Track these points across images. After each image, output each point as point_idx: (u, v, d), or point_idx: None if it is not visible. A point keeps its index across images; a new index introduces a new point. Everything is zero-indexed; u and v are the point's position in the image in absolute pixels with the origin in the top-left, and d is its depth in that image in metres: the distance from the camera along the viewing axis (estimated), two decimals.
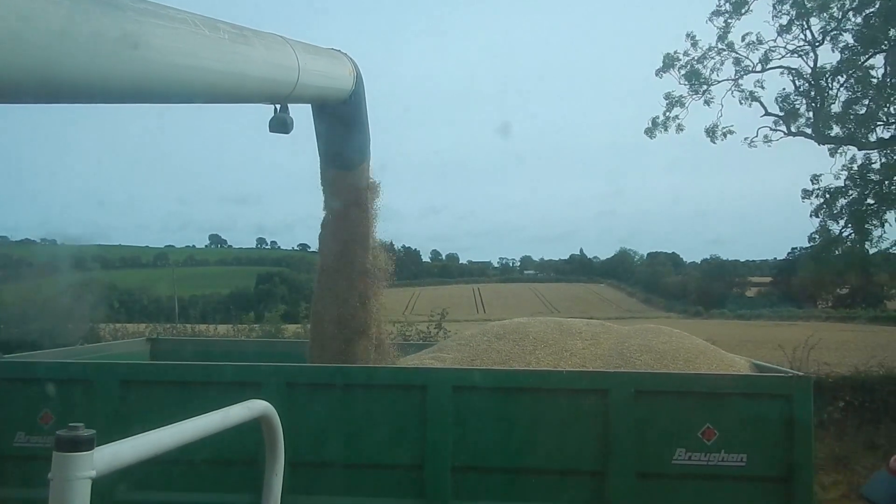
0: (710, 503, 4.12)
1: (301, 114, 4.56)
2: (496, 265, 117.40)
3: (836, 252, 14.36)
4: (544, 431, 4.17)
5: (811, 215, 13.93)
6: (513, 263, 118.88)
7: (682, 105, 14.71)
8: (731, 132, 14.39)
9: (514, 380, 4.31)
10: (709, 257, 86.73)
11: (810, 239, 14.55)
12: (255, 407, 1.71)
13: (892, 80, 12.30)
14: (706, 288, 75.80)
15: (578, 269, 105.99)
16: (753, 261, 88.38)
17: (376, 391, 4.31)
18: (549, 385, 4.23)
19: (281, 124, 4.14)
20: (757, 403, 4.17)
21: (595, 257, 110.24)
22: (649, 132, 15.20)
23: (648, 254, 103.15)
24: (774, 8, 13.61)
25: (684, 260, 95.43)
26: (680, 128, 14.88)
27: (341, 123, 4.93)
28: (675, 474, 4.10)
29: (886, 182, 13.30)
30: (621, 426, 4.11)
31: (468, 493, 4.18)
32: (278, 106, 4.10)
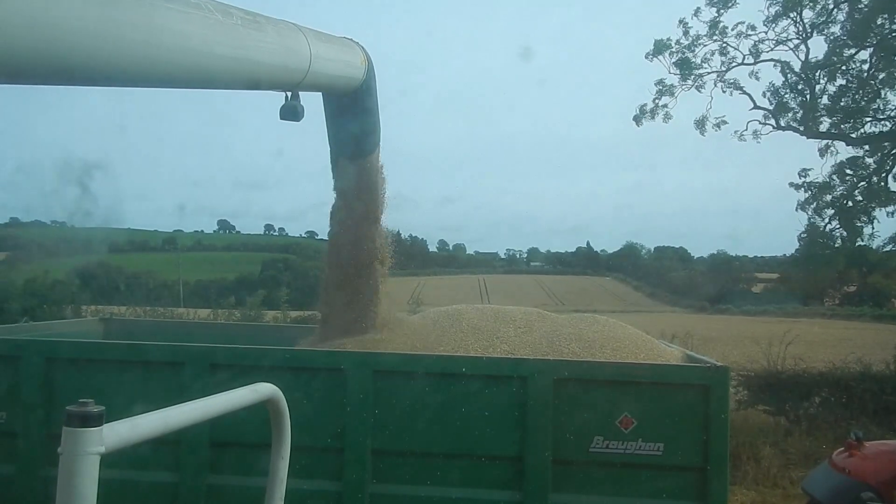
0: (627, 491, 4.14)
1: (312, 102, 4.61)
2: (503, 256, 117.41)
3: (828, 249, 14.22)
4: (463, 417, 4.19)
5: (797, 209, 13.79)
6: (519, 255, 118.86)
7: (672, 94, 14.57)
8: (724, 122, 14.23)
9: (434, 365, 4.32)
10: (716, 252, 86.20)
11: (799, 238, 14.40)
12: (261, 390, 1.76)
13: (879, 75, 12.13)
14: (712, 283, 75.36)
15: (585, 261, 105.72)
16: (762, 257, 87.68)
17: (298, 373, 4.34)
18: (468, 371, 4.24)
19: (291, 112, 4.15)
20: (675, 393, 4.17)
21: (602, 250, 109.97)
22: (637, 119, 15.07)
23: (655, 248, 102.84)
24: None
25: (692, 255, 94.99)
26: (668, 116, 14.73)
27: (352, 112, 4.95)
28: (593, 462, 4.12)
29: (875, 178, 13.13)
30: (539, 413, 4.12)
31: (387, 476, 4.23)
32: (289, 93, 4.11)
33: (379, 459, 4.22)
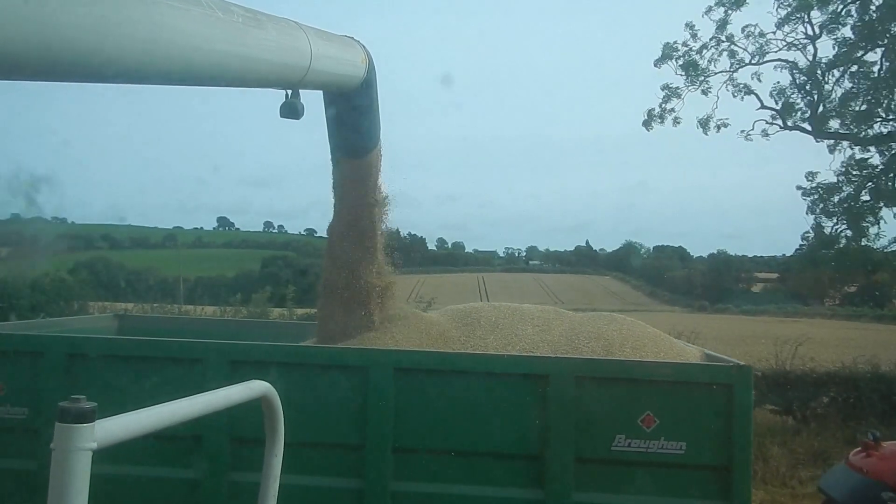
0: (649, 490, 4.12)
1: (312, 100, 4.58)
2: (501, 255, 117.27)
3: (832, 251, 14.23)
4: (484, 415, 4.18)
5: (807, 212, 13.80)
6: (518, 253, 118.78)
7: (679, 96, 14.55)
8: (725, 125, 14.24)
9: (455, 362, 4.31)
10: (716, 252, 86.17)
11: (803, 237, 14.42)
12: (255, 387, 1.75)
13: (890, 76, 12.11)
14: (712, 282, 75.47)
15: (584, 260, 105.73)
16: (761, 256, 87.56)
17: (319, 371, 4.33)
18: (489, 369, 4.23)
19: (292, 110, 4.12)
20: (697, 392, 4.16)
21: (602, 249, 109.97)
22: (646, 124, 15.07)
23: (655, 247, 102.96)
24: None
25: (691, 254, 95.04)
26: (677, 120, 14.72)
27: (352, 111, 4.94)
28: (614, 460, 4.11)
29: (883, 178, 13.14)
30: (560, 411, 4.11)
31: (408, 474, 4.21)
32: (289, 91, 4.09)
33: (400, 457, 4.20)
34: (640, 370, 4.23)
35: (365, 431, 4.20)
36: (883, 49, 12.15)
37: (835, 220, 13.64)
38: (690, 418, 4.12)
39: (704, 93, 14.24)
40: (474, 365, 4.29)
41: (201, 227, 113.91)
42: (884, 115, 12.63)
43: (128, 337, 5.03)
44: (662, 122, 14.76)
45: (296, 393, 4.24)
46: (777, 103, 13.65)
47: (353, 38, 4.74)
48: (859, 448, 5.48)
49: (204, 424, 4.16)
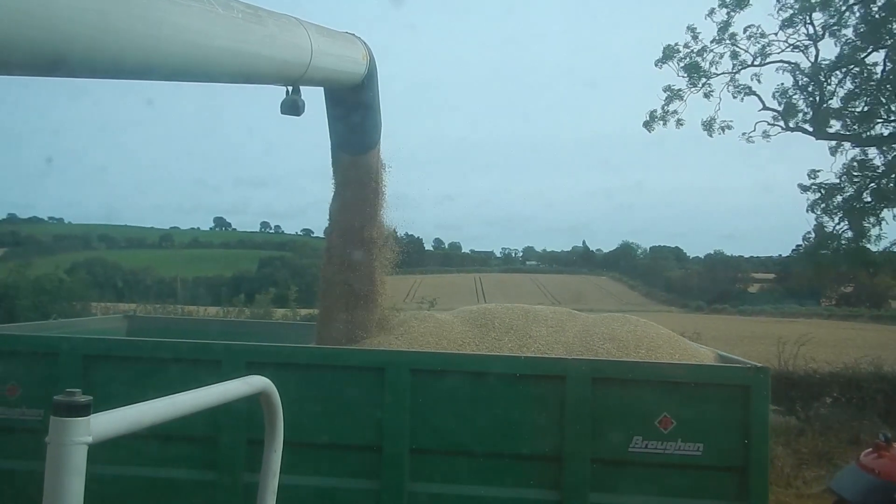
0: (667, 491, 4.13)
1: (313, 97, 4.56)
2: (498, 255, 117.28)
3: (831, 250, 14.27)
4: (501, 416, 4.18)
5: (807, 210, 13.85)
6: (515, 254, 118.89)
7: (681, 98, 14.57)
8: (729, 127, 14.27)
9: (472, 364, 4.32)
10: (712, 252, 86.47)
11: (805, 237, 14.47)
12: (254, 383, 1.73)
13: (892, 77, 12.15)
14: (708, 283, 75.68)
15: (581, 260, 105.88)
16: (758, 257, 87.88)
17: (336, 372, 4.32)
18: (506, 370, 4.23)
19: (292, 106, 4.11)
20: (715, 393, 4.17)
21: (598, 249, 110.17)
22: (647, 125, 15.08)
23: (651, 248, 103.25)
24: (778, 1, 13.46)
25: (688, 255, 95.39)
26: (679, 122, 14.75)
27: (353, 108, 4.92)
28: (632, 462, 4.11)
29: (884, 180, 13.19)
30: (577, 413, 4.11)
31: (425, 475, 4.21)
32: (290, 88, 4.08)
33: (417, 458, 4.20)
34: (656, 371, 4.24)
35: (381, 432, 4.20)
36: (885, 50, 12.22)
37: (836, 220, 13.70)
38: (708, 420, 4.12)
39: (706, 95, 14.29)
40: (490, 366, 4.29)
41: (198, 228, 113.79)
42: (885, 117, 12.71)
43: (144, 338, 5.02)
44: (665, 123, 14.80)
45: (313, 394, 4.26)
46: (779, 105, 13.71)
47: (354, 34, 4.73)
48: (870, 449, 5.50)
49: (221, 426, 4.16)
